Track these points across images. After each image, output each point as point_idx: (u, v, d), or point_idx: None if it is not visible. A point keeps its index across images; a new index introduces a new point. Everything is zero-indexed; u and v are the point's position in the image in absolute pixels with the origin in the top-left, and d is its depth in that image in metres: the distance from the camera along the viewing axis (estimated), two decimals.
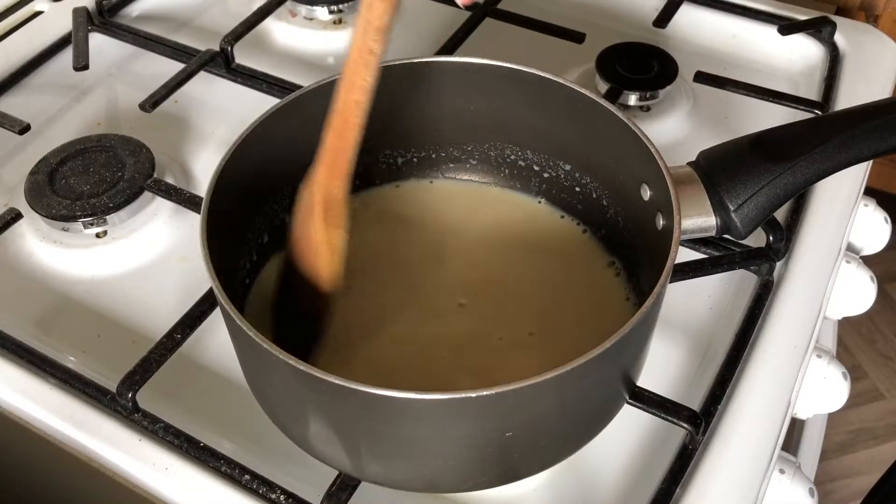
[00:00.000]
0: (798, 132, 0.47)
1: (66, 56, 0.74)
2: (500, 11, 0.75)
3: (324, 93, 0.51)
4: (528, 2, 0.79)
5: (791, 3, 0.79)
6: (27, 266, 0.60)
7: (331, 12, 0.78)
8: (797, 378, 0.53)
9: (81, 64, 0.71)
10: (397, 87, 0.52)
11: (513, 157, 0.56)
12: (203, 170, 0.66)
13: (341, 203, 0.47)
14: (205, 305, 0.53)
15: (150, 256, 0.60)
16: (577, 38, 0.73)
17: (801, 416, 0.56)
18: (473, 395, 0.37)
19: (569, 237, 0.55)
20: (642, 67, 0.70)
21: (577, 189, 0.55)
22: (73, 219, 0.59)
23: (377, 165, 0.57)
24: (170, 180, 0.63)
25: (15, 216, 0.60)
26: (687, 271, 0.55)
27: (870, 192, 0.68)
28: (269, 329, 0.50)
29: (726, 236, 0.57)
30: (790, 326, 0.55)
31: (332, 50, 0.77)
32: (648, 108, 0.69)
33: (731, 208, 0.46)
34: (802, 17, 0.76)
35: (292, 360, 0.38)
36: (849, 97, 0.70)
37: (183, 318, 0.52)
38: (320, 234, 0.47)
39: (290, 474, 0.48)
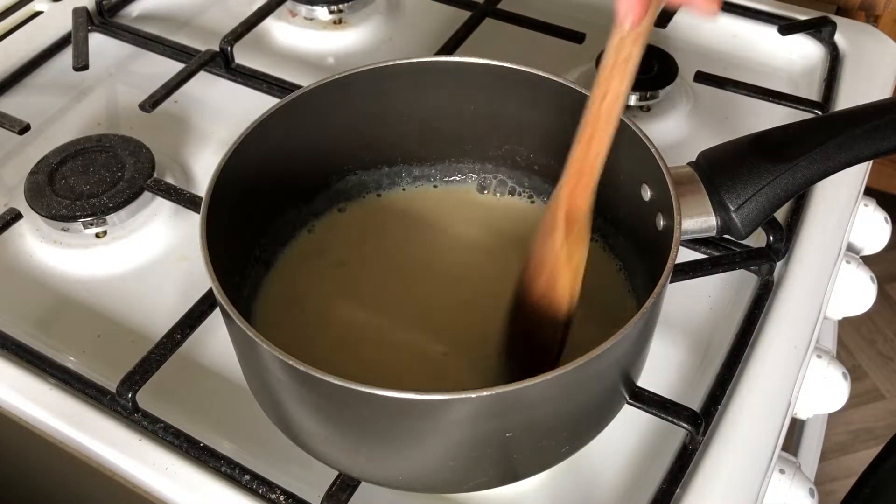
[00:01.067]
0: (798, 132, 0.47)
1: (66, 56, 0.74)
2: (500, 11, 0.75)
3: (324, 93, 0.51)
4: (528, 2, 0.79)
5: (791, 3, 0.79)
6: (27, 266, 0.60)
7: (331, 12, 0.78)
8: (797, 378, 0.53)
9: (81, 64, 0.71)
10: (397, 87, 0.52)
11: (513, 156, 0.56)
12: (203, 170, 0.66)
13: (586, 218, 0.45)
14: (205, 305, 0.53)
15: (150, 256, 0.60)
16: (577, 38, 0.73)
17: (801, 416, 0.56)
18: (473, 395, 0.37)
19: None
20: (642, 67, 0.69)
21: None
22: (73, 219, 0.59)
23: (378, 167, 0.57)
24: (170, 180, 0.63)
25: (15, 216, 0.60)
26: (687, 271, 0.55)
27: (870, 192, 0.68)
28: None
29: (726, 236, 0.57)
30: (790, 326, 0.55)
31: (332, 50, 0.77)
32: (648, 108, 0.69)
33: (732, 208, 0.45)
34: (802, 17, 0.76)
35: (292, 361, 0.38)
36: (849, 97, 0.70)
37: (183, 318, 0.52)
38: (562, 251, 0.44)
39: (290, 474, 0.48)
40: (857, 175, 0.64)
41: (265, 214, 0.53)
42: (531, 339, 0.47)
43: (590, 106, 0.43)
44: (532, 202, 0.57)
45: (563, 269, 0.44)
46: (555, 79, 0.51)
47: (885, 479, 0.63)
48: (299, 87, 0.59)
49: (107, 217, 0.60)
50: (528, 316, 0.47)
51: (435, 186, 0.58)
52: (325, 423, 0.42)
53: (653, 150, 0.46)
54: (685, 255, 0.58)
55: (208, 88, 0.72)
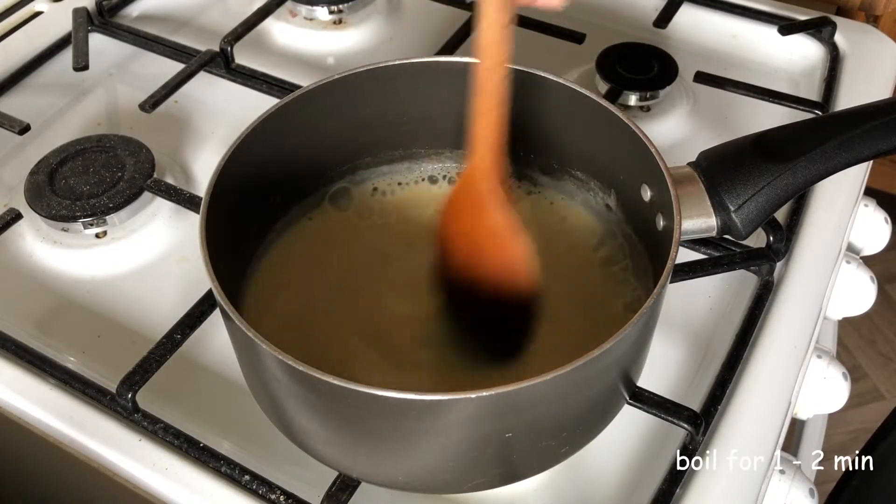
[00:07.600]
0: (798, 132, 0.47)
1: (66, 56, 0.74)
2: None
3: (324, 93, 0.51)
4: None
5: (791, 3, 0.79)
6: (27, 266, 0.60)
7: (331, 12, 0.78)
8: (797, 378, 0.53)
9: (81, 64, 0.71)
10: (397, 87, 0.52)
11: (512, 156, 0.56)
12: (203, 170, 0.66)
13: (505, 185, 0.47)
14: (205, 305, 0.53)
15: (149, 256, 0.60)
16: (577, 38, 0.73)
17: (802, 416, 0.56)
18: (473, 395, 0.37)
19: (568, 237, 0.55)
20: (642, 67, 0.70)
21: (577, 189, 0.55)
22: (73, 219, 0.59)
23: (378, 166, 0.57)
24: (170, 180, 0.63)
25: (15, 216, 0.60)
26: (687, 271, 0.55)
27: (870, 192, 0.68)
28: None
29: (726, 237, 0.57)
30: (790, 327, 0.55)
31: (332, 50, 0.77)
32: (648, 109, 0.69)
33: (732, 209, 0.45)
34: (802, 17, 0.76)
35: (291, 361, 0.38)
36: (849, 97, 0.70)
37: (183, 319, 0.52)
38: (503, 221, 0.46)
39: (290, 474, 0.48)
40: (857, 175, 0.64)
41: (265, 214, 0.53)
42: (505, 321, 0.49)
43: (481, 80, 0.45)
44: (534, 200, 0.57)
45: (514, 240, 0.47)
46: (555, 79, 0.51)
47: (880, 464, 0.63)
48: (299, 87, 0.59)
49: (107, 217, 0.60)
50: (495, 299, 0.48)
51: (435, 185, 0.58)
52: (325, 424, 0.42)
53: (653, 150, 0.46)
54: (685, 255, 0.58)
55: (208, 88, 0.72)
